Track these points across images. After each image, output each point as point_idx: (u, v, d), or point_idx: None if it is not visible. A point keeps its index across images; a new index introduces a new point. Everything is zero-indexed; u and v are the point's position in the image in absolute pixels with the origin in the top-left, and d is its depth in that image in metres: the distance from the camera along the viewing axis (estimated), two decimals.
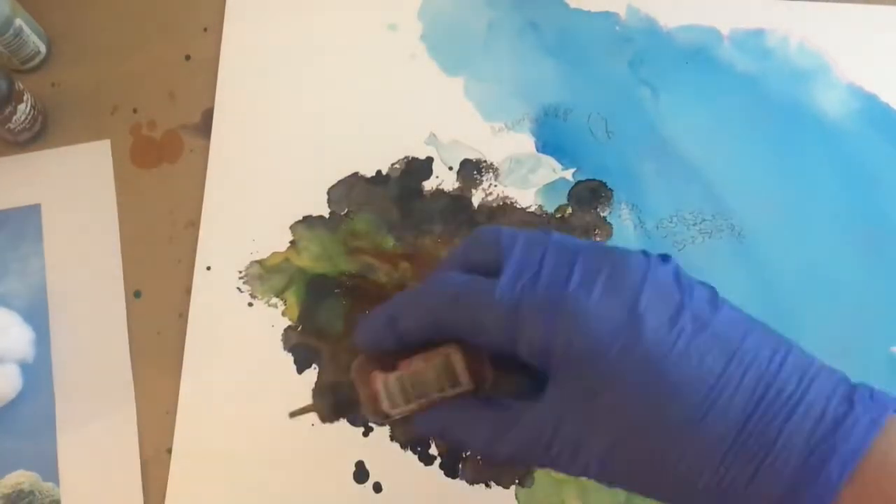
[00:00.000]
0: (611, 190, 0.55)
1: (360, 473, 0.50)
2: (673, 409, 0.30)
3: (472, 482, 0.49)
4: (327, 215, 0.54)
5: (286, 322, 0.52)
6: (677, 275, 0.33)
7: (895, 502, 0.28)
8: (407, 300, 0.35)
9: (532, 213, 0.54)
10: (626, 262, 0.32)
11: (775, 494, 0.29)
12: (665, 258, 0.34)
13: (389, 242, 0.54)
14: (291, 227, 0.54)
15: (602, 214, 0.54)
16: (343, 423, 0.50)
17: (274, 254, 0.53)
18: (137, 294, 0.53)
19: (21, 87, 0.52)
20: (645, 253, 0.33)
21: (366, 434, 0.50)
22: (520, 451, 0.33)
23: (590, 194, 0.55)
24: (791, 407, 0.30)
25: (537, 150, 0.56)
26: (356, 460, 0.50)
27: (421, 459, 0.50)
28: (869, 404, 0.30)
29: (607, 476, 0.32)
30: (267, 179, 0.55)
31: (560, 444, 0.32)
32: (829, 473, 0.29)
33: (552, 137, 0.56)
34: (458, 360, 0.33)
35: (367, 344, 0.35)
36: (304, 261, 0.53)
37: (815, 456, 0.29)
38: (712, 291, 0.34)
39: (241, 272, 0.53)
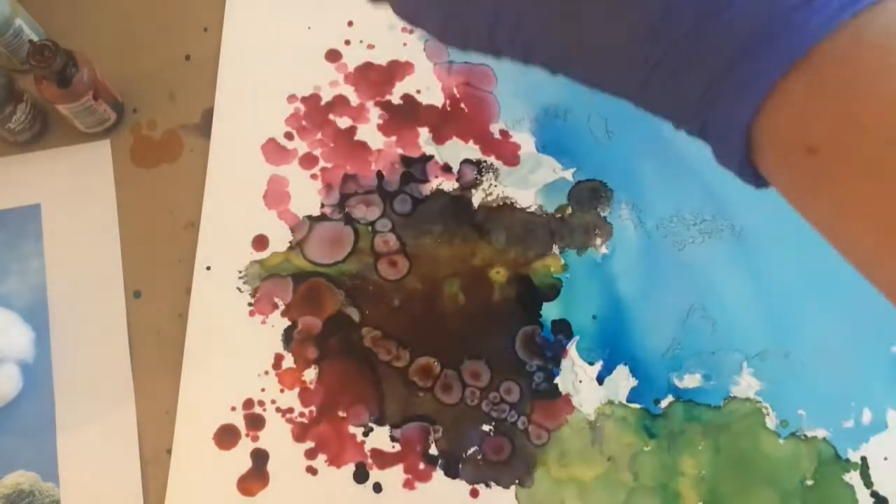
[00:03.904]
0: (611, 190, 0.55)
1: (360, 473, 0.50)
2: None
3: (472, 482, 0.49)
4: (328, 215, 0.54)
5: (286, 322, 0.52)
6: None
7: (857, 98, 0.23)
8: None
9: (532, 212, 0.54)
10: None
11: (716, 71, 0.24)
12: None
13: (389, 242, 0.54)
14: (291, 227, 0.54)
15: (602, 214, 0.54)
16: (345, 425, 0.50)
17: (274, 254, 0.53)
18: (137, 294, 0.52)
19: (21, 87, 0.52)
20: None
21: (366, 434, 0.50)
22: (470, 30, 0.31)
23: (590, 194, 0.55)
24: None
25: (537, 150, 0.56)
26: (356, 460, 0.50)
27: (421, 459, 0.50)
28: None
29: (546, 53, 0.30)
30: (266, 179, 0.55)
31: (503, 19, 0.29)
32: (774, 51, 0.23)
33: (552, 137, 0.56)
34: None
35: None
36: (304, 261, 0.53)
37: (762, 32, 0.23)
38: None
39: (240, 272, 0.53)
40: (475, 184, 0.55)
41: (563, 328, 0.52)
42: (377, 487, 0.49)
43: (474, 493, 0.49)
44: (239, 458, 0.50)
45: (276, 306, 0.52)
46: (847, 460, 0.50)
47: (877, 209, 0.24)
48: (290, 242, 0.53)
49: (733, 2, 0.24)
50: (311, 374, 0.51)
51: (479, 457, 0.50)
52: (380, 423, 0.50)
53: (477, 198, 0.55)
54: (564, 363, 0.51)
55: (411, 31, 0.58)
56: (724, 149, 0.27)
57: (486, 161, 0.55)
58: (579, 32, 0.27)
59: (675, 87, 0.26)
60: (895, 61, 0.23)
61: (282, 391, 0.51)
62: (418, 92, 0.57)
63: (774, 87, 0.24)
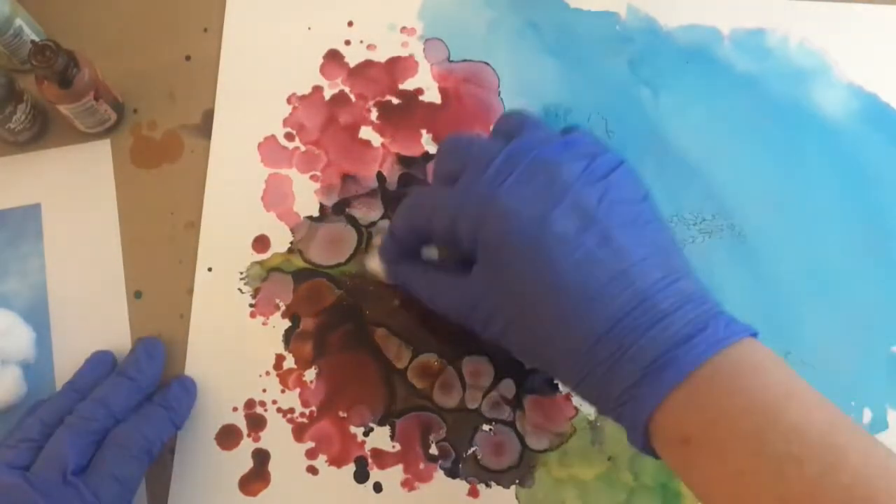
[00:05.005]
0: None
1: (360, 473, 0.50)
2: (558, 305, 0.37)
3: (472, 482, 0.49)
4: (329, 216, 0.54)
5: (286, 323, 0.52)
6: (603, 194, 0.38)
7: (712, 411, 0.35)
8: (395, 215, 0.45)
9: None
10: (560, 174, 0.38)
11: (625, 386, 0.36)
12: (608, 160, 0.40)
13: None
14: (292, 228, 0.54)
15: None
16: (345, 425, 0.50)
17: (275, 254, 0.53)
18: (138, 295, 0.53)
19: (21, 87, 0.52)
20: (590, 158, 0.39)
21: (367, 434, 0.50)
22: (450, 310, 0.43)
23: None
24: (654, 322, 0.36)
25: None
26: (357, 460, 0.50)
27: (421, 459, 0.50)
28: (716, 329, 0.36)
29: (509, 345, 0.41)
30: (267, 180, 0.55)
31: (478, 312, 0.41)
32: (665, 377, 0.35)
33: None
34: None
35: (385, 261, 0.48)
36: (305, 262, 0.53)
37: (658, 362, 0.35)
38: (640, 209, 0.40)
39: (242, 273, 0.53)
40: None
41: None
42: (377, 487, 0.49)
43: (474, 493, 0.49)
44: (240, 458, 0.50)
45: (277, 307, 0.52)
46: None
47: (723, 484, 0.35)
48: (291, 243, 0.53)
49: (635, 342, 0.36)
50: (311, 374, 0.51)
51: (479, 457, 0.50)
52: (381, 423, 0.50)
53: None
54: None
55: (412, 31, 0.58)
56: (632, 436, 0.38)
57: None
58: (534, 347, 0.40)
59: (598, 394, 0.38)
60: (737, 387, 0.35)
61: (283, 391, 0.51)
62: (419, 92, 0.57)
63: (661, 401, 0.35)
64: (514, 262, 0.38)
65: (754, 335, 0.37)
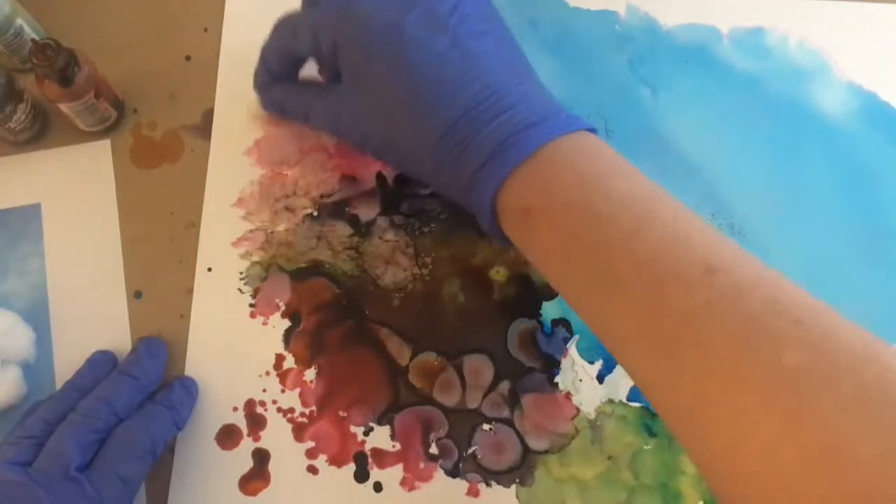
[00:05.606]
0: None
1: (360, 473, 0.50)
2: (413, 99, 0.40)
3: (472, 481, 0.49)
4: (328, 216, 0.54)
5: (286, 322, 0.52)
6: (455, 6, 0.41)
7: (549, 184, 0.38)
8: (265, 44, 0.49)
9: None
10: None
11: (474, 168, 0.40)
12: None
13: (389, 242, 0.54)
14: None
15: None
16: (345, 425, 0.50)
17: (275, 255, 0.53)
18: (138, 295, 0.53)
19: (21, 86, 0.52)
20: None
21: (367, 433, 0.50)
22: (322, 124, 0.47)
23: None
24: (500, 112, 0.39)
25: None
26: (357, 460, 0.50)
27: (421, 459, 0.50)
28: (557, 120, 0.39)
29: (373, 148, 0.45)
30: (267, 179, 0.55)
31: (343, 119, 0.45)
32: (508, 157, 0.39)
33: None
34: None
35: (257, 87, 0.51)
36: (304, 262, 0.53)
37: (503, 145, 0.39)
38: (491, 26, 0.43)
39: (242, 273, 0.53)
40: None
41: (563, 327, 0.52)
42: (377, 486, 0.49)
43: (474, 493, 0.49)
44: (240, 458, 0.50)
45: (276, 307, 0.52)
46: None
47: (557, 247, 0.39)
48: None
49: (483, 128, 0.39)
50: (311, 374, 0.51)
51: (479, 456, 0.50)
52: (381, 422, 0.50)
53: None
54: (564, 362, 0.51)
55: None
56: (482, 217, 0.41)
57: None
58: (393, 144, 0.43)
59: (451, 180, 0.41)
60: (570, 164, 0.38)
61: (283, 391, 0.51)
62: None
63: (504, 179, 0.39)
64: (371, 64, 0.41)
65: (592, 131, 0.41)
